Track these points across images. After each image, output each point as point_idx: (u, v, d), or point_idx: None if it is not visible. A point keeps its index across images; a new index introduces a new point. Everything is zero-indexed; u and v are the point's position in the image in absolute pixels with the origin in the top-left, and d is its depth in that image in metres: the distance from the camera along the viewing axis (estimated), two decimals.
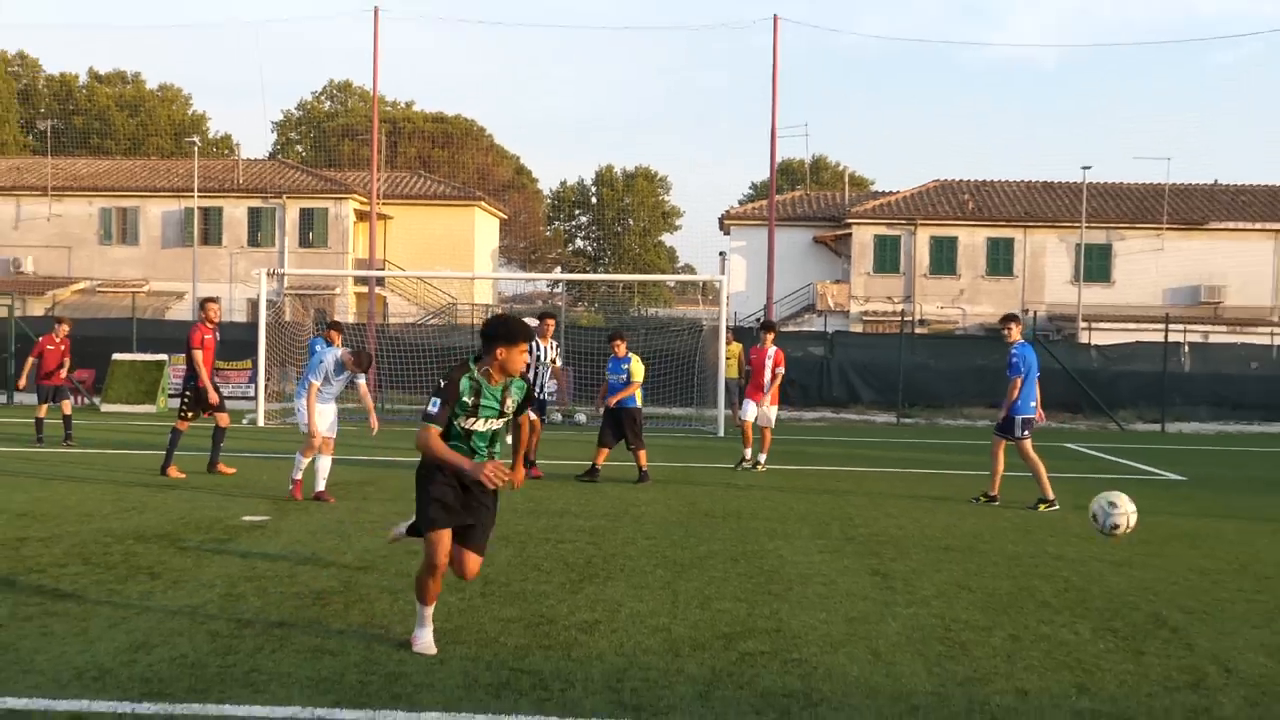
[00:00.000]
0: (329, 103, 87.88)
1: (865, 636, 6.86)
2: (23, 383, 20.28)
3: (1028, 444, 12.77)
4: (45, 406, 18.78)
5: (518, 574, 8.37)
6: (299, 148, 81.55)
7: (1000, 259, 48.00)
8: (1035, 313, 39.04)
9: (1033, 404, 12.87)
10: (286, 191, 48.97)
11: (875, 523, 11.34)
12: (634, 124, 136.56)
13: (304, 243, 48.75)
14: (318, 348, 14.41)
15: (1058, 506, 12.50)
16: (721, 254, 52.77)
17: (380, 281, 43.11)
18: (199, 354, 14.34)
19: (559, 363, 15.73)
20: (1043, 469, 12.74)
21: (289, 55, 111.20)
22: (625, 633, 6.79)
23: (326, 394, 12.31)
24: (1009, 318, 13.29)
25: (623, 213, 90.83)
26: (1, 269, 49.09)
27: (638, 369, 14.70)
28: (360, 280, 45.26)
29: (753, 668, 6.17)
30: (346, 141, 72.70)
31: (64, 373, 19.06)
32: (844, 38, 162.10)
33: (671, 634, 6.79)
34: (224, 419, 14.58)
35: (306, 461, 12.23)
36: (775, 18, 28.90)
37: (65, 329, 19.14)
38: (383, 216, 46.99)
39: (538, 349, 14.58)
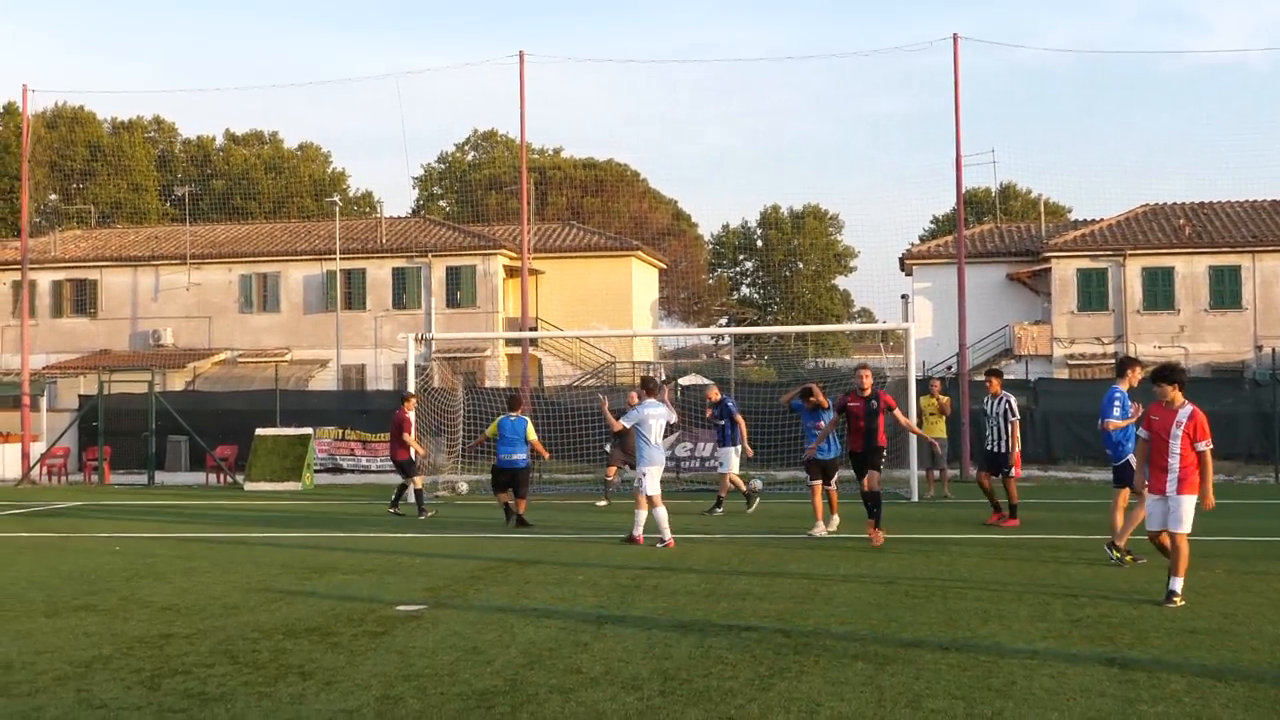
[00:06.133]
0: (473, 154, 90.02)
1: None
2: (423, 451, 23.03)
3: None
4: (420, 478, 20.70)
5: (699, 668, 8.14)
6: (442, 202, 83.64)
7: (1226, 290, 46.16)
8: (1275, 349, 37.35)
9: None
10: (432, 249, 50.05)
11: (1104, 600, 10.77)
12: (800, 159, 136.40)
13: (451, 303, 49.65)
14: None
15: None
16: (904, 297, 52.02)
17: (533, 342, 43.61)
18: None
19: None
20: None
21: (429, 106, 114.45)
22: None
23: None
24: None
25: (791, 255, 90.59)
26: (141, 342, 51.26)
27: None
28: (512, 341, 45.84)
29: None
30: (492, 194, 74.22)
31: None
32: (1028, 53, 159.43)
33: None
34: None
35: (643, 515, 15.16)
36: (955, 37, 28.41)
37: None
38: (534, 272, 47.55)
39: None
